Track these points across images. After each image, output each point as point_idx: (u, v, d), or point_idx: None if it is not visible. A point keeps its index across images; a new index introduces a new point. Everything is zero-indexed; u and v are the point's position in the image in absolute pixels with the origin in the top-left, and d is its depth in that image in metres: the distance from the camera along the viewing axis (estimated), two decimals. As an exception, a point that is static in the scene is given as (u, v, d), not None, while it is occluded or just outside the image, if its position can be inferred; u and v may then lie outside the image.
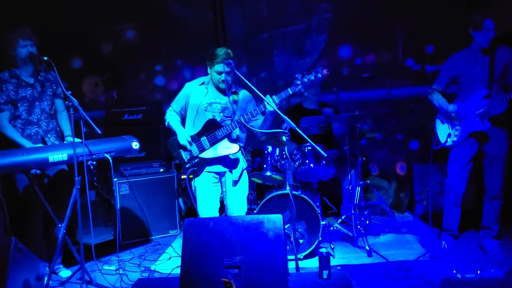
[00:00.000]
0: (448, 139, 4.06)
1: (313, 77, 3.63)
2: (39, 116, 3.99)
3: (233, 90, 3.89)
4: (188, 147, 3.83)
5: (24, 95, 3.94)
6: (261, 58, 5.98)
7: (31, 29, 3.93)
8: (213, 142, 3.81)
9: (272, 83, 5.95)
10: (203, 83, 3.94)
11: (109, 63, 5.97)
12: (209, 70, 3.87)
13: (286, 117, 3.49)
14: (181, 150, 3.89)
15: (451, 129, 4.08)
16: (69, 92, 3.59)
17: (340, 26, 5.78)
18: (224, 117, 3.87)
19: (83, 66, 5.96)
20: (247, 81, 3.55)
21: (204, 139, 3.82)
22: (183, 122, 3.97)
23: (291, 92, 3.66)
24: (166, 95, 5.99)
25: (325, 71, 3.61)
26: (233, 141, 3.83)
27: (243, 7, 5.90)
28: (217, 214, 3.94)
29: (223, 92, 3.86)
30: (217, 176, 3.91)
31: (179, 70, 6.06)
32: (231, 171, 3.90)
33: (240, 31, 5.95)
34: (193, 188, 3.91)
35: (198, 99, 3.88)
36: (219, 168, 3.88)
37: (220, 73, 3.78)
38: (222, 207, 4.04)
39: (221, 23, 5.87)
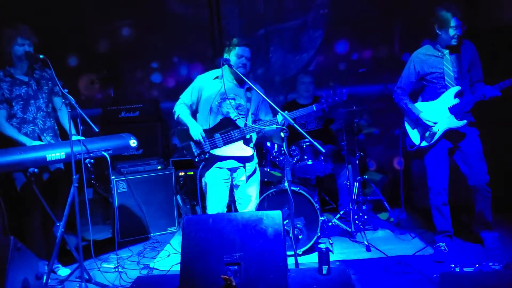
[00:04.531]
0: (423, 140, 3.98)
1: (337, 99, 3.79)
2: (34, 114, 3.97)
3: (248, 87, 3.83)
4: (202, 142, 3.77)
5: (19, 94, 3.92)
6: (257, 54, 5.97)
7: (31, 28, 3.90)
8: (228, 141, 3.78)
9: (269, 79, 5.95)
10: (217, 77, 3.86)
11: (105, 61, 5.95)
12: (226, 56, 3.79)
13: (284, 114, 3.49)
14: (191, 142, 3.82)
15: (425, 130, 3.97)
16: (66, 90, 3.58)
17: (336, 22, 5.79)
18: (238, 115, 3.83)
19: (79, 64, 5.93)
20: (245, 79, 3.55)
21: (218, 136, 3.78)
22: (193, 116, 3.92)
23: (315, 109, 3.80)
24: (163, 92, 5.99)
25: (349, 95, 3.81)
26: (247, 142, 3.82)
27: (239, 3, 5.90)
28: (225, 210, 3.94)
29: (239, 83, 3.81)
30: (229, 172, 3.88)
31: (176, 67, 6.05)
32: (244, 166, 3.89)
33: (236, 27, 5.96)
34: (203, 184, 3.89)
35: (212, 94, 3.81)
36: (231, 163, 3.85)
37: (240, 56, 3.73)
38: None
39: (217, 19, 5.86)
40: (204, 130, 3.80)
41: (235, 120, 3.81)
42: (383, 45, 5.83)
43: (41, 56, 3.67)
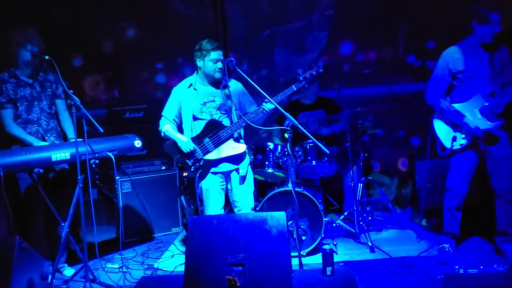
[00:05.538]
0: (454, 143, 3.84)
1: (315, 73, 3.65)
2: (38, 115, 3.99)
3: (224, 84, 3.83)
4: (193, 151, 3.78)
5: (23, 95, 3.94)
6: (262, 55, 5.97)
7: (38, 32, 3.91)
8: (218, 143, 3.78)
9: (273, 80, 5.94)
10: (190, 85, 3.88)
11: (110, 61, 5.97)
12: (200, 63, 3.80)
13: (288, 114, 3.49)
14: (182, 154, 3.85)
15: (456, 131, 3.87)
16: (71, 91, 3.59)
17: (341, 23, 5.77)
18: (221, 115, 3.84)
19: (84, 65, 5.94)
20: (250, 80, 3.55)
21: (207, 141, 3.78)
22: (179, 129, 3.95)
23: (295, 89, 3.70)
24: (167, 93, 5.95)
25: (325, 66, 3.63)
26: (237, 139, 3.82)
27: (244, 4, 5.90)
28: (222, 212, 3.96)
29: (215, 85, 3.81)
30: (223, 176, 3.90)
31: (180, 67, 6.05)
32: (237, 168, 3.89)
33: (240, 28, 5.95)
34: (198, 189, 3.89)
35: (191, 103, 3.83)
36: (225, 167, 3.86)
37: (216, 61, 3.73)
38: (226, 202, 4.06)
39: (222, 20, 5.86)
40: (192, 138, 3.81)
41: (221, 120, 3.81)
42: (388, 46, 5.81)
43: (47, 57, 3.69)
